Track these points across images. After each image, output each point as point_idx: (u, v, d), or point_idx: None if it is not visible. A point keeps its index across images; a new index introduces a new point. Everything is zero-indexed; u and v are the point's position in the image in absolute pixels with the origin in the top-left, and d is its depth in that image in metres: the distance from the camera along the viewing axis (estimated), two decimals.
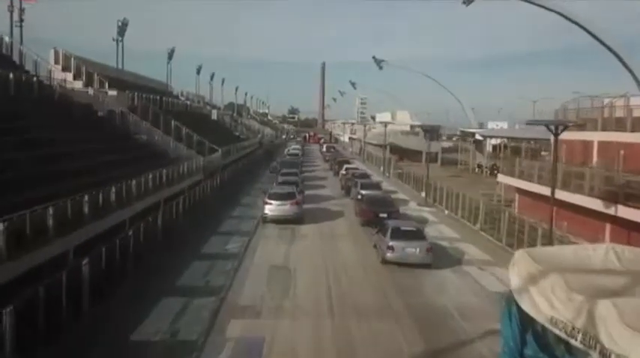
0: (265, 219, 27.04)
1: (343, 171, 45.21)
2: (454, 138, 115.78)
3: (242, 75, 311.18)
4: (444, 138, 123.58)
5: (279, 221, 26.80)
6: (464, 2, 28.82)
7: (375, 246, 22.16)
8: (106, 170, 24.72)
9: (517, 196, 35.09)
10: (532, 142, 67.81)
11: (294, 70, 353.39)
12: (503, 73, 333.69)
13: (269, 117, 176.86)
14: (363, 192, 33.07)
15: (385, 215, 26.43)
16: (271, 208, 26.86)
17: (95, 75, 43.64)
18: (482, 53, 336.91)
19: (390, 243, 19.37)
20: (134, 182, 21.98)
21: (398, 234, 19.75)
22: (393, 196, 37.75)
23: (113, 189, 19.42)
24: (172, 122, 43.09)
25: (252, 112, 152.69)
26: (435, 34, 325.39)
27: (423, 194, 36.65)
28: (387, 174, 55.00)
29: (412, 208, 34.27)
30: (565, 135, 38.00)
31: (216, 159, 42.31)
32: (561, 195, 25.56)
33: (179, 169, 30.62)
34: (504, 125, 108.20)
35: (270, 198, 27.20)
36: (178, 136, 42.66)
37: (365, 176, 40.53)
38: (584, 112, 32.38)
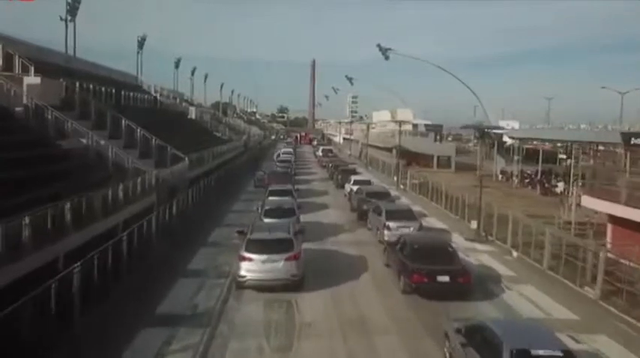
0: (241, 285, 15.97)
1: (352, 186, 34.24)
2: (449, 138, 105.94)
3: (230, 74, 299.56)
4: (450, 138, 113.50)
5: (264, 288, 15.79)
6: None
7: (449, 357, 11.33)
8: None
9: (610, 227, 24.30)
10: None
11: (283, 69, 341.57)
12: (500, 72, 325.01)
13: (257, 117, 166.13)
14: (391, 224, 22.33)
15: (446, 278, 15.54)
16: (251, 267, 15.68)
17: (16, 57, 32.22)
18: (479, 52, 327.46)
19: None
20: None
21: None
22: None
23: None
24: (122, 121, 31.93)
25: (239, 111, 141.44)
26: (428, 34, 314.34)
27: (473, 224, 25.59)
28: (402, 186, 44.00)
29: (461, 246, 23.29)
30: None
31: (179, 172, 31.16)
32: None
33: (109, 194, 19.45)
34: (515, 125, 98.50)
35: (249, 250, 15.98)
36: (131, 140, 31.62)
37: (385, 194, 29.60)
38: None
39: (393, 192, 39.35)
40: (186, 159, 32.68)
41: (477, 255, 22.14)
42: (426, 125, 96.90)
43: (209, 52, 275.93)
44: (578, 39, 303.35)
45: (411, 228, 22.43)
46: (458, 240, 24.79)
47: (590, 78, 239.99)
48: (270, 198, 28.12)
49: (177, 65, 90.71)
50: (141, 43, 69.85)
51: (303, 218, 25.58)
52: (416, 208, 32.87)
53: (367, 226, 25.91)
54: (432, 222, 28.73)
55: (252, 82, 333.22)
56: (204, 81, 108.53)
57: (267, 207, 22.95)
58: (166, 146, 32.25)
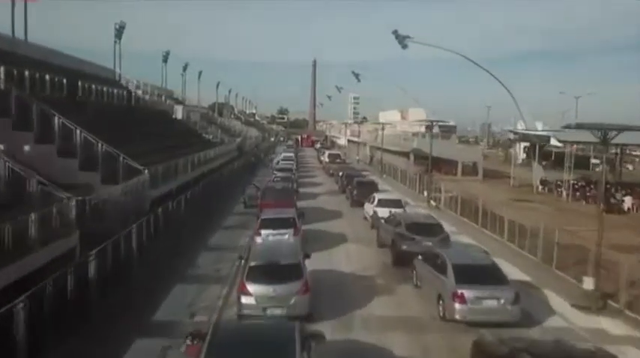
0: None
1: (376, 208, 24.90)
2: (459, 141, 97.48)
3: (230, 75, 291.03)
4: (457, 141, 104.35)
5: None
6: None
7: None
8: None
9: None
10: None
11: (283, 70, 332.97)
12: (502, 72, 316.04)
13: (256, 118, 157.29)
14: (467, 293, 13.03)
15: None
16: None
17: None
18: (481, 53, 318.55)
19: None
20: None
21: None
22: None
23: None
24: (56, 120, 22.61)
25: (237, 112, 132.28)
26: (426, 33, 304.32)
27: (588, 283, 15.86)
28: (434, 202, 34.52)
29: (574, 325, 13.86)
30: None
31: (134, 191, 21.72)
32: None
33: None
34: (539, 125, 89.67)
35: None
36: (68, 147, 22.41)
37: (435, 227, 19.79)
38: None
39: (424, 210, 30.11)
40: (146, 172, 23.24)
41: (612, 345, 12.55)
42: (440, 126, 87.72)
43: (208, 52, 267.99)
44: (579, 39, 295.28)
45: (502, 301, 13.02)
46: (561, 309, 15.39)
47: (590, 78, 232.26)
48: (263, 232, 18.79)
49: (165, 59, 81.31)
50: (119, 32, 60.35)
51: (312, 264, 16.11)
52: (463, 238, 23.64)
53: (413, 282, 16.48)
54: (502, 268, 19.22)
55: (251, 83, 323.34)
56: (198, 78, 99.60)
57: (253, 263, 13.27)
58: (118, 154, 22.89)
